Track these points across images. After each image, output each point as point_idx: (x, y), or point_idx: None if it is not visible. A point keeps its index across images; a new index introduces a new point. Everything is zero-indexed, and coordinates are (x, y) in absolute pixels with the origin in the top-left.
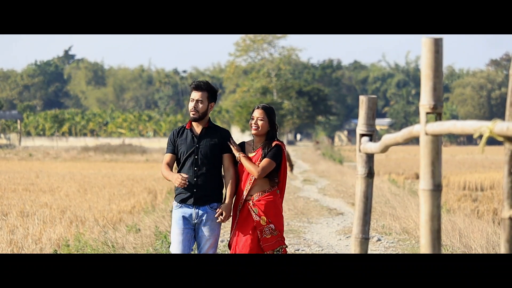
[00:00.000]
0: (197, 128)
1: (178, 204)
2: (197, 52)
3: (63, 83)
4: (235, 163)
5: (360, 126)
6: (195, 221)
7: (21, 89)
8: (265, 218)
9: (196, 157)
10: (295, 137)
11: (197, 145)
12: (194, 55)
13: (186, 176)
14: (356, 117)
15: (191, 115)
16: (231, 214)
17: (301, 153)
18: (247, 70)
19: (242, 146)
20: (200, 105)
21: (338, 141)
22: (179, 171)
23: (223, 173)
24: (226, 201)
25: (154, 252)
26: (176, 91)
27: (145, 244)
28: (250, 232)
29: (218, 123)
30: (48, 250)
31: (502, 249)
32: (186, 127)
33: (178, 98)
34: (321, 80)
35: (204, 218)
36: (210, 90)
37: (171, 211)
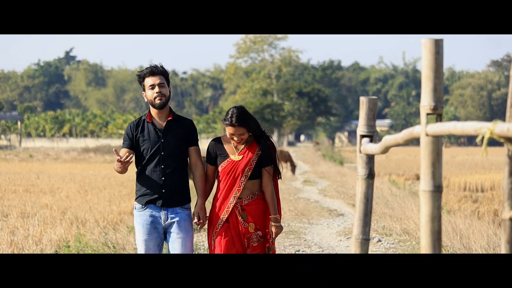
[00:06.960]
0: (160, 120)
1: (143, 206)
2: (197, 53)
3: (63, 84)
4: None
5: (361, 127)
6: (165, 224)
7: (21, 90)
8: (253, 225)
9: (162, 153)
10: (299, 138)
11: (162, 141)
12: (194, 56)
13: (122, 155)
14: (357, 118)
15: (157, 102)
16: (207, 216)
17: (301, 154)
18: (248, 71)
19: (218, 142)
20: (163, 89)
21: (338, 142)
22: (142, 170)
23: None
24: (200, 202)
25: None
26: (176, 92)
27: None
28: (237, 239)
29: (219, 125)
30: (48, 251)
31: (503, 250)
32: (147, 120)
33: (178, 100)
34: (321, 81)
35: (176, 219)
36: (166, 73)
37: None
